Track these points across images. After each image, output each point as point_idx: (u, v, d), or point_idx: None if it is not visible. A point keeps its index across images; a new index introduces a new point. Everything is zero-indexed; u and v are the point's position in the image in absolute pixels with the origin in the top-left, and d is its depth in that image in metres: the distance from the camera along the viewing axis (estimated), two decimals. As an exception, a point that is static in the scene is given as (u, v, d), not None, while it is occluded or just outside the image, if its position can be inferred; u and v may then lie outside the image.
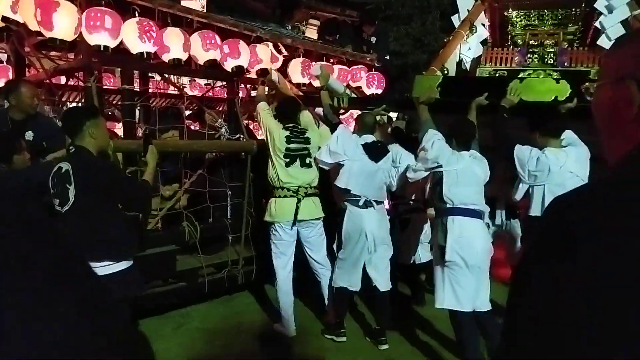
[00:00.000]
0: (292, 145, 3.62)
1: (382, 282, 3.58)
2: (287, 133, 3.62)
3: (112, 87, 4.77)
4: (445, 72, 4.74)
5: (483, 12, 4.79)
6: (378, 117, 4.05)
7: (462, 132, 3.24)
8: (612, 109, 0.72)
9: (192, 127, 4.85)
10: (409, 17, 13.71)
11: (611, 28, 3.95)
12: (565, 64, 4.43)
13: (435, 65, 4.75)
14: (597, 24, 4.16)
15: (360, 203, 3.51)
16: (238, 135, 4.22)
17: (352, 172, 3.50)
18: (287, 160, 3.59)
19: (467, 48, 5.12)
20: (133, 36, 3.24)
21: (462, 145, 3.20)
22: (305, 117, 3.81)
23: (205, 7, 4.07)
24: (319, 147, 3.67)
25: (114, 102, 4.97)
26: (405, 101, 3.81)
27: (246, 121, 4.68)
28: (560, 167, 3.07)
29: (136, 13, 3.33)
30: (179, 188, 4.03)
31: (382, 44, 6.20)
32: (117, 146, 3.31)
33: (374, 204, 3.52)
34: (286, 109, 3.74)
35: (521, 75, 4.13)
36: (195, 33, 3.60)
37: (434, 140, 3.21)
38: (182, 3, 3.91)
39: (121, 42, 3.29)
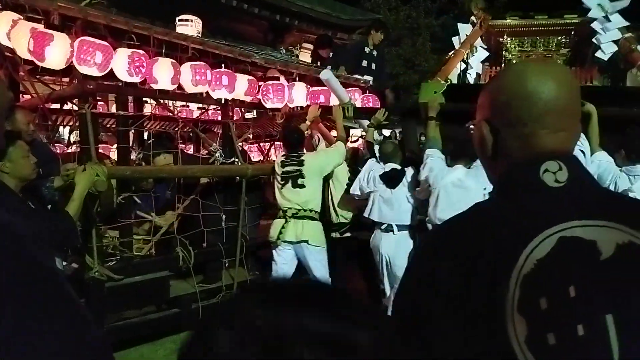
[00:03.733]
0: (286, 168, 3.79)
1: None
2: (283, 158, 3.84)
3: (105, 112, 4.76)
4: (449, 82, 4.96)
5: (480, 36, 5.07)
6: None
7: (455, 145, 3.29)
8: (478, 147, 0.82)
9: (186, 151, 4.85)
10: (399, 38, 13.93)
11: (605, 44, 4.24)
12: None
13: (439, 76, 4.91)
14: (594, 39, 4.41)
15: (383, 227, 3.63)
16: (232, 159, 4.22)
17: (374, 201, 3.64)
18: (282, 182, 3.78)
19: (470, 67, 5.37)
20: (122, 68, 3.29)
21: (456, 159, 3.23)
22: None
23: (200, 32, 4.11)
24: (324, 170, 3.81)
25: (107, 126, 4.96)
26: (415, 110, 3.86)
27: (240, 144, 4.69)
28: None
29: (132, 39, 3.35)
30: (173, 213, 4.01)
31: (380, 64, 6.25)
32: (111, 172, 3.31)
33: (395, 228, 3.59)
34: (287, 139, 3.95)
35: None
36: (188, 64, 3.63)
37: (427, 160, 3.30)
38: (179, 29, 3.95)
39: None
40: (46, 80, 3.98)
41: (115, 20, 3.20)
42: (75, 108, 3.60)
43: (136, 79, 3.38)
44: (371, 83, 5.45)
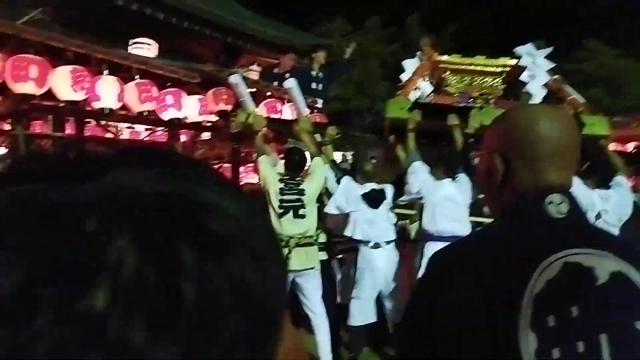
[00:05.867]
0: (285, 197, 3.63)
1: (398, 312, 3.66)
2: (282, 185, 3.63)
3: (42, 132, 4.54)
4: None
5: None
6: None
7: (446, 160, 3.55)
8: (485, 176, 0.89)
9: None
10: (351, 63, 14.23)
11: (536, 91, 4.74)
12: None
13: (402, 95, 5.20)
14: (524, 90, 4.80)
15: (370, 245, 3.71)
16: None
17: (356, 220, 3.69)
18: (281, 211, 3.62)
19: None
20: (65, 85, 3.17)
21: (445, 173, 3.50)
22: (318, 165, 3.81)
23: (158, 54, 4.05)
24: (321, 197, 3.79)
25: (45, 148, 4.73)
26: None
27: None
28: None
29: (69, 58, 3.24)
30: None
31: (326, 85, 6.42)
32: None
33: (383, 244, 3.70)
34: (288, 160, 3.74)
35: None
36: (133, 82, 3.55)
37: (416, 172, 3.49)
38: (134, 50, 3.87)
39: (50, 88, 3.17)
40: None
41: (51, 37, 3.08)
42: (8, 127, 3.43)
43: (80, 96, 3.26)
44: (319, 105, 5.53)
